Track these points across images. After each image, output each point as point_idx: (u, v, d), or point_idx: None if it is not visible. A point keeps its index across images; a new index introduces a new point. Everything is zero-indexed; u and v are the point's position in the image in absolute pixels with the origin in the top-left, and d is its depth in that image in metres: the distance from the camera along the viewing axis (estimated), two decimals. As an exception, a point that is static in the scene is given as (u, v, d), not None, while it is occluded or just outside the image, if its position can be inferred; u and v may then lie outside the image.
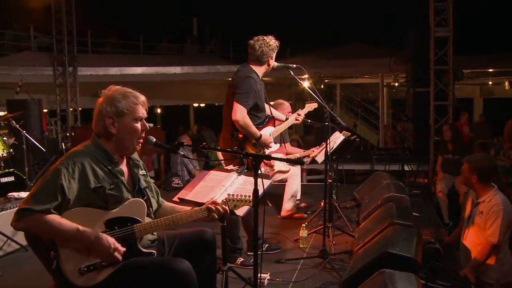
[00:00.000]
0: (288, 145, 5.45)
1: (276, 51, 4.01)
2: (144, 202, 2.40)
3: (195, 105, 18.04)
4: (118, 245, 2.22)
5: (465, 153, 6.23)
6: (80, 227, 2.16)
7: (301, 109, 4.62)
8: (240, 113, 3.74)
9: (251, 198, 2.54)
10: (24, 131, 6.46)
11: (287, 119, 4.55)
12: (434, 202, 6.39)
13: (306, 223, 4.58)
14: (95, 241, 2.17)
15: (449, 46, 7.92)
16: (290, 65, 4.02)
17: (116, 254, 2.20)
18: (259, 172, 2.51)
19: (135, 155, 2.58)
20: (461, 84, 11.33)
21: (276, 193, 5.49)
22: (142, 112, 2.39)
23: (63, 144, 8.42)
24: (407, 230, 3.41)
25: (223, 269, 2.96)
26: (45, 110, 9.14)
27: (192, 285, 2.22)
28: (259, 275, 2.55)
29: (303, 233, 4.36)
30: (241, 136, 3.85)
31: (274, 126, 4.29)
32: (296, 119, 4.55)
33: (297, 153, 5.45)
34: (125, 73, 11.80)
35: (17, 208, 2.16)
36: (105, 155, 2.36)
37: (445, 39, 7.94)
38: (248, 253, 4.08)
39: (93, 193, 2.26)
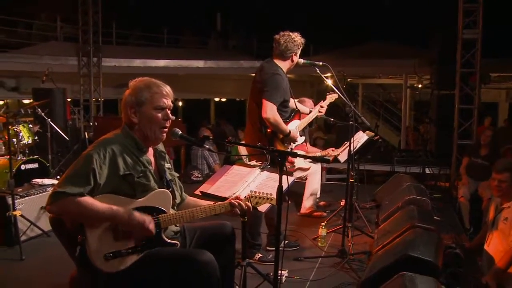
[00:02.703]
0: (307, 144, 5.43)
1: (300, 48, 3.99)
2: (170, 194, 2.42)
3: (216, 99, 18.10)
4: (151, 218, 2.28)
5: (495, 160, 6.11)
6: (114, 206, 2.21)
7: (323, 101, 4.59)
8: (270, 110, 3.74)
9: (273, 196, 2.53)
10: (49, 120, 6.57)
11: (310, 112, 4.53)
12: (456, 206, 6.30)
13: (325, 222, 4.56)
14: (129, 218, 2.22)
15: (477, 48, 7.77)
16: (316, 62, 4.00)
17: (150, 226, 2.26)
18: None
19: (161, 147, 2.60)
20: (487, 88, 11.12)
21: (295, 190, 5.49)
22: (164, 102, 2.39)
23: (85, 133, 8.53)
24: (428, 234, 3.38)
25: (242, 264, 2.96)
26: (68, 100, 9.25)
27: (214, 276, 2.23)
28: (279, 271, 2.53)
29: (322, 231, 4.34)
30: (269, 131, 3.85)
31: (300, 120, 4.28)
32: (319, 111, 4.53)
33: (316, 152, 5.42)
34: (148, 65, 11.90)
35: (50, 191, 2.19)
36: (134, 144, 2.39)
37: (473, 41, 7.79)
38: (268, 248, 4.09)
39: (122, 180, 2.30)
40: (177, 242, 2.41)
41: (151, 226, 2.27)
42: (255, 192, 2.55)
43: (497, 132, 11.05)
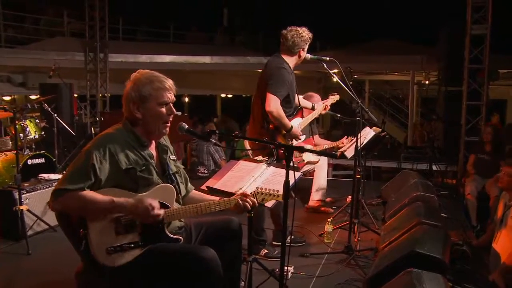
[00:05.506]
0: (316, 136, 5.40)
1: (308, 43, 3.97)
2: (174, 188, 2.41)
3: (223, 95, 18.08)
4: (154, 202, 2.23)
5: (500, 156, 6.07)
6: (115, 198, 2.20)
7: (326, 100, 4.59)
8: (274, 103, 3.71)
9: (279, 193, 2.51)
10: (56, 115, 6.59)
11: (313, 107, 4.51)
12: (463, 203, 6.26)
13: (331, 218, 4.54)
14: (131, 207, 2.20)
15: (485, 44, 7.69)
16: (323, 57, 3.97)
17: (154, 204, 2.22)
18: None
19: (164, 141, 2.57)
20: (495, 84, 11.00)
21: (301, 186, 5.47)
22: (168, 96, 2.37)
23: (92, 128, 8.55)
24: (435, 231, 3.35)
25: (248, 260, 2.95)
26: (75, 95, 9.27)
27: (217, 272, 2.22)
28: (285, 267, 2.52)
29: (328, 228, 4.33)
30: (272, 126, 3.83)
31: (302, 117, 4.26)
32: (324, 109, 4.52)
33: (325, 144, 5.38)
34: (155, 61, 11.88)
35: (52, 189, 2.20)
36: (135, 139, 2.37)
37: (481, 37, 7.71)
38: (274, 243, 4.08)
39: (124, 174, 2.29)
40: (180, 237, 2.40)
41: (155, 204, 2.23)
42: (261, 188, 2.53)
43: (505, 129, 10.99)
